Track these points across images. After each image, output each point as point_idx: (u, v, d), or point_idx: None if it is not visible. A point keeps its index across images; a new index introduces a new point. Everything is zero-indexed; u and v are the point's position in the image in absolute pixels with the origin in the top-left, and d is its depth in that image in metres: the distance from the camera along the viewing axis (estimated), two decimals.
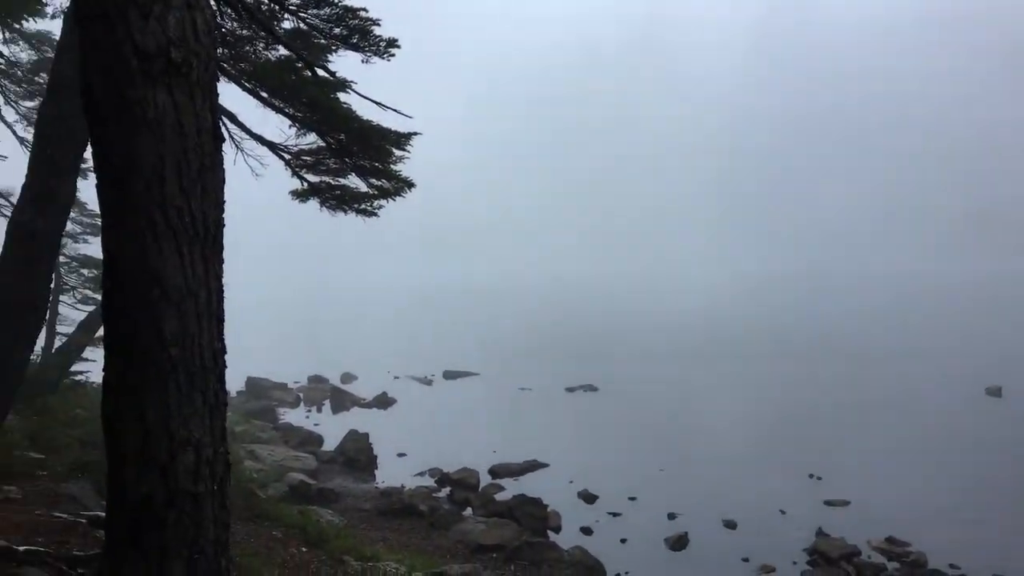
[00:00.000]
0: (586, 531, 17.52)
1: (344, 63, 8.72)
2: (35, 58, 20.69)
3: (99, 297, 20.76)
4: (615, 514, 18.64)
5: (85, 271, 21.16)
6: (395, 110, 6.81)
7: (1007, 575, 14.41)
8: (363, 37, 7.96)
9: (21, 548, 5.88)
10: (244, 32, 8.65)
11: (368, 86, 7.94)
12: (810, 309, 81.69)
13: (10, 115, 21.29)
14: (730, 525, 17.65)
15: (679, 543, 16.63)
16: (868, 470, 21.84)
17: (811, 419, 28.73)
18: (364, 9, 7.62)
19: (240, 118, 9.71)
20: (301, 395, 37.79)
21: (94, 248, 21.63)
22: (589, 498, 19.98)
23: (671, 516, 18.27)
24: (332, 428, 28.08)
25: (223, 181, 4.36)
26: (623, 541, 16.81)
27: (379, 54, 8.14)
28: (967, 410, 29.72)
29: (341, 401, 36.03)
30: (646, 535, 17.03)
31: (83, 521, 7.21)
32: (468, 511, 19.09)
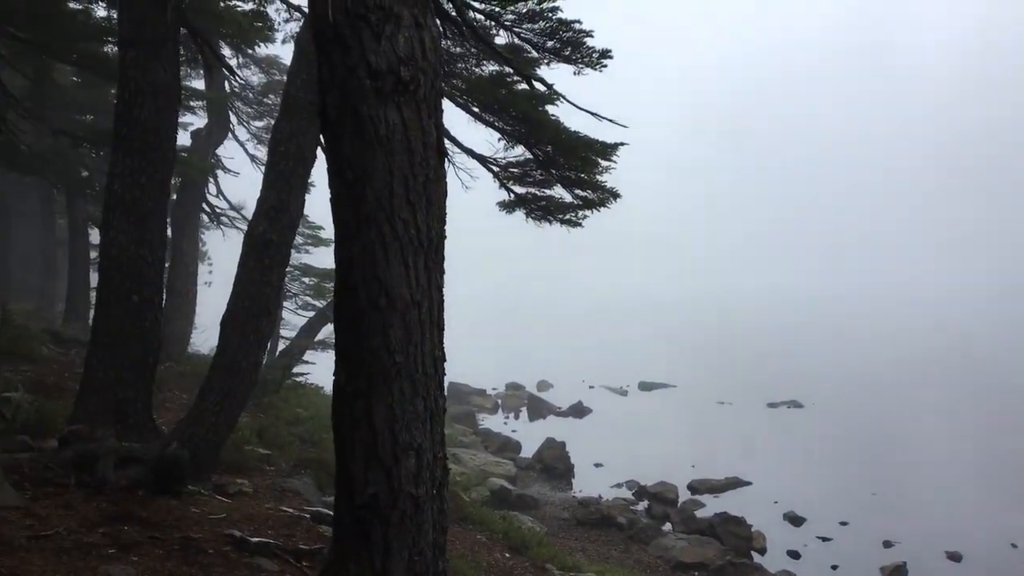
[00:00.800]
0: (793, 555, 16.77)
1: (551, 74, 8.82)
2: (265, 81, 22.44)
3: (318, 304, 22.20)
4: (825, 539, 17.74)
5: (306, 279, 22.65)
6: (611, 120, 6.81)
7: None
8: (576, 49, 8.02)
9: (253, 540, 6.31)
10: (457, 49, 8.95)
11: (573, 97, 7.98)
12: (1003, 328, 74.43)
13: (242, 134, 23.22)
14: (954, 557, 16.35)
15: (897, 573, 15.58)
16: None
17: None
18: (578, 21, 7.68)
19: (451, 132, 10.05)
20: (499, 401, 38.64)
21: (313, 258, 23.11)
22: (796, 520, 19.13)
23: (887, 544, 17.15)
24: (529, 435, 28.48)
25: (445, 194, 4.52)
26: (834, 568, 15.97)
27: (592, 65, 8.18)
28: None
29: (538, 409, 36.51)
30: (860, 563, 16.08)
31: (307, 516, 7.65)
32: (667, 526, 18.77)
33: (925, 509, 19.54)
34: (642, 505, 20.58)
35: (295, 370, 18.94)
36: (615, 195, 9.94)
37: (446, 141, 9.98)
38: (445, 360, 4.56)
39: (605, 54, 8.03)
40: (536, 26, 7.81)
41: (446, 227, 4.45)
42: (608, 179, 9.82)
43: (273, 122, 11.00)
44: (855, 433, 29.45)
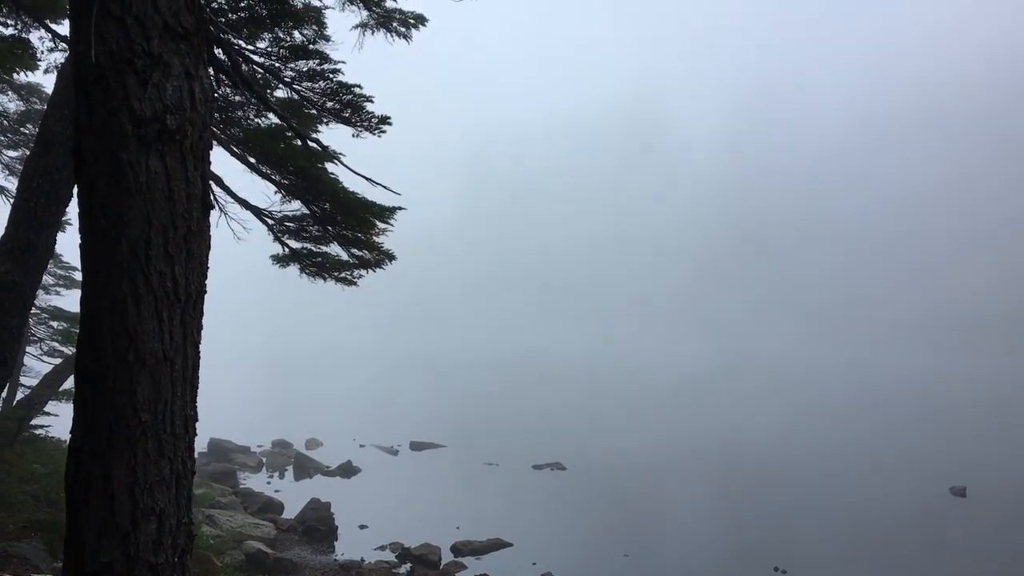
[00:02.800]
0: None
1: (334, 133, 8.84)
2: (23, 109, 20.80)
3: (66, 351, 20.47)
4: None
5: (55, 323, 20.90)
6: (384, 186, 6.91)
7: None
8: (355, 112, 8.10)
9: None
10: (237, 98, 8.77)
11: (358, 156, 8.04)
12: (760, 394, 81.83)
13: None
14: None
15: None
16: (835, 564, 21.65)
17: (777, 511, 28.55)
18: (358, 85, 7.77)
19: (226, 181, 9.78)
20: (264, 459, 37.13)
21: (65, 300, 21.42)
22: None
23: None
24: (294, 495, 27.54)
25: (208, 248, 4.39)
26: None
27: (370, 130, 8.28)
28: (931, 511, 29.70)
29: (304, 468, 35.42)
30: None
31: None
32: None
33: (669, 570, 20.67)
34: (404, 568, 20.37)
35: (34, 422, 17.33)
36: (391, 256, 10.03)
37: (218, 189, 9.72)
38: (197, 420, 4.38)
39: (384, 120, 8.17)
40: (316, 85, 7.83)
41: (207, 281, 4.32)
42: (385, 241, 9.90)
43: (28, 153, 10.23)
44: (613, 495, 30.80)
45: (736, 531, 25.55)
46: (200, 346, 4.32)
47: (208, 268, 4.32)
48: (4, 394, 18.10)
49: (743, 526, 26.25)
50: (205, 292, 4.29)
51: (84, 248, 3.98)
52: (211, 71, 4.39)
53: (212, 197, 7.03)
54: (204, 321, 4.32)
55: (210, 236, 4.36)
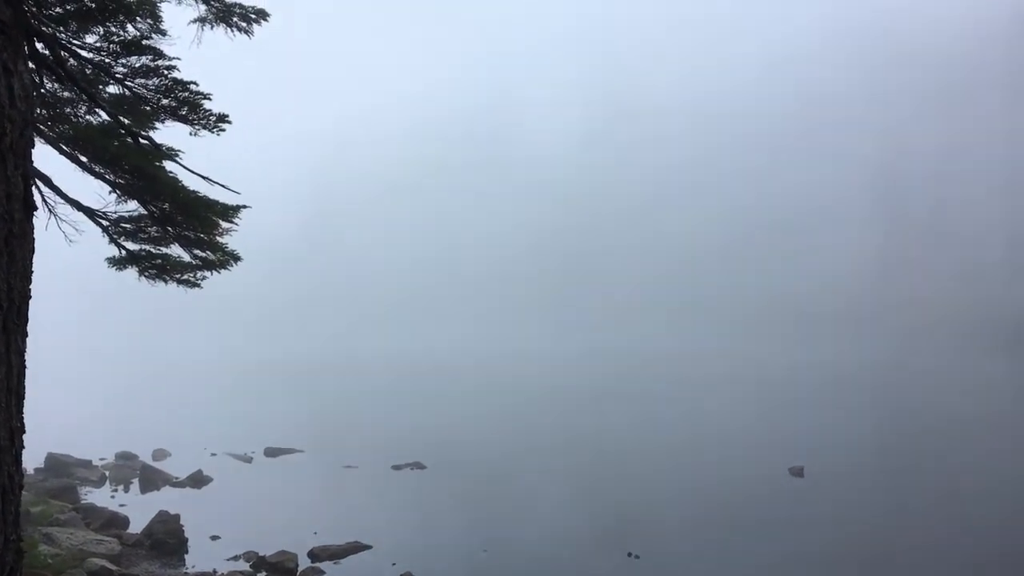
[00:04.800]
0: None
1: (175, 131, 8.57)
2: None
3: None
4: None
5: None
6: (222, 185, 6.75)
7: None
8: (192, 110, 7.86)
9: None
10: (66, 94, 8.35)
11: (215, 156, 7.82)
12: (608, 389, 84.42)
13: None
14: None
15: None
16: (683, 548, 22.60)
17: (630, 499, 29.56)
18: (194, 82, 7.55)
19: (55, 181, 9.29)
20: (107, 473, 35.34)
21: None
22: None
23: None
24: (140, 509, 26.33)
25: (32, 251, 4.19)
26: None
27: (208, 128, 8.06)
28: (772, 491, 31.47)
29: (151, 479, 33.92)
30: None
31: None
32: None
33: (529, 564, 21.07)
34: None
35: None
36: (236, 257, 9.79)
37: (46, 189, 9.23)
38: (24, 431, 4.19)
39: (223, 118, 7.98)
40: (150, 82, 7.56)
41: (31, 285, 4.13)
42: (229, 241, 9.66)
43: None
44: (473, 492, 31.06)
45: (591, 520, 26.30)
46: (25, 354, 4.13)
47: (32, 272, 4.13)
48: None
49: (597, 514, 27.06)
50: (29, 297, 4.10)
51: None
52: (32, 66, 4.19)
53: (37, 198, 6.69)
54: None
55: (34, 239, 4.18)
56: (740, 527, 25.24)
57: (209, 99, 7.91)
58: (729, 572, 20.45)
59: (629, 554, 21.56)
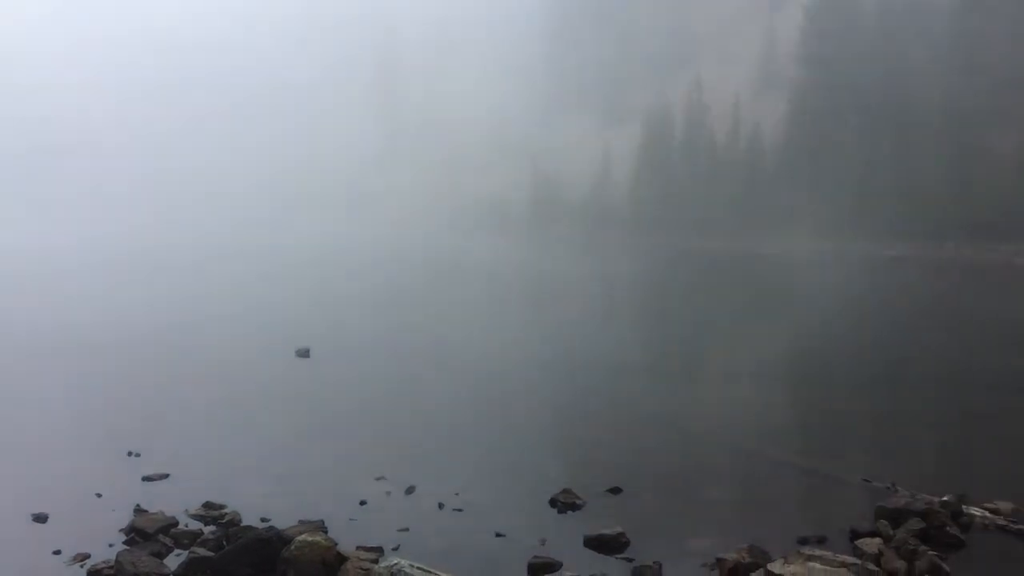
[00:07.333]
0: None
1: None
2: None
3: None
4: None
5: None
6: None
7: (311, 517, 15.82)
8: None
9: None
10: None
11: None
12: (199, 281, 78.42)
13: None
14: (40, 519, 16.31)
15: None
16: (188, 441, 22.18)
17: (129, 398, 28.17)
18: None
19: None
20: None
21: None
22: None
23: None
24: None
25: None
26: None
27: None
28: (278, 371, 32.35)
29: None
30: None
31: None
32: None
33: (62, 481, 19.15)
34: None
35: None
36: None
37: None
38: None
39: None
40: None
41: None
42: None
43: None
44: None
45: (89, 423, 24.54)
46: None
47: None
48: None
49: (93, 417, 25.34)
50: None
51: None
52: None
53: None
54: None
55: None
56: (252, 409, 25.86)
57: None
58: (232, 456, 20.63)
59: (130, 453, 20.59)
